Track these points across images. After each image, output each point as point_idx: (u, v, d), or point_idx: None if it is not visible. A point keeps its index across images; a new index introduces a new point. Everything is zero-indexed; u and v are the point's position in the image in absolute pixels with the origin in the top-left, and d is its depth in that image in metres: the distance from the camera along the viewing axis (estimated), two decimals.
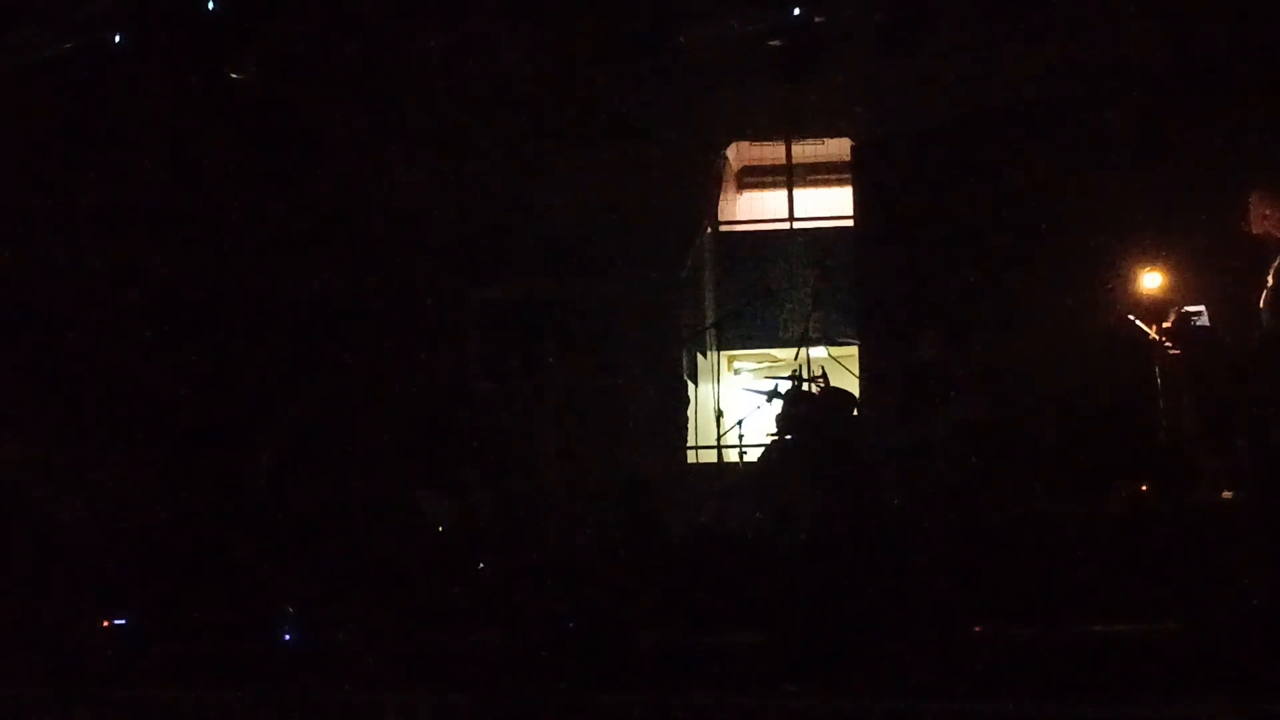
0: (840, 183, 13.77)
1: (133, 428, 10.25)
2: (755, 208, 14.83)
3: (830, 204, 14.01)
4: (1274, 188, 8.36)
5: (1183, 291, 8.98)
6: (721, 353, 13.75)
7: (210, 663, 7.51)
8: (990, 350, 10.19)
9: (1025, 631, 6.55)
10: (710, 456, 12.62)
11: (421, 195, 11.36)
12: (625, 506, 9.53)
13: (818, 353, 11.39)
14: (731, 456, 11.76)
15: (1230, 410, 8.45)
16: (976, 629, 6.66)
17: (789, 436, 10.14)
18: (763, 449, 10.45)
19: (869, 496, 9.55)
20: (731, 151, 14.50)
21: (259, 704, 6.89)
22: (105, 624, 8.48)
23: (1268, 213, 8.31)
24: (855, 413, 10.56)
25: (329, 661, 7.49)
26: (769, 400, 10.42)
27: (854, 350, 11.96)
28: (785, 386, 10.39)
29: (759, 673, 6.51)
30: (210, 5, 10.32)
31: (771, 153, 14.54)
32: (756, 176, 14.92)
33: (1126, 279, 9.28)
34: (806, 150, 14.29)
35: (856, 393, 11.10)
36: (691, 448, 12.95)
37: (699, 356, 13.52)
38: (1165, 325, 8.77)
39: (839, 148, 13.86)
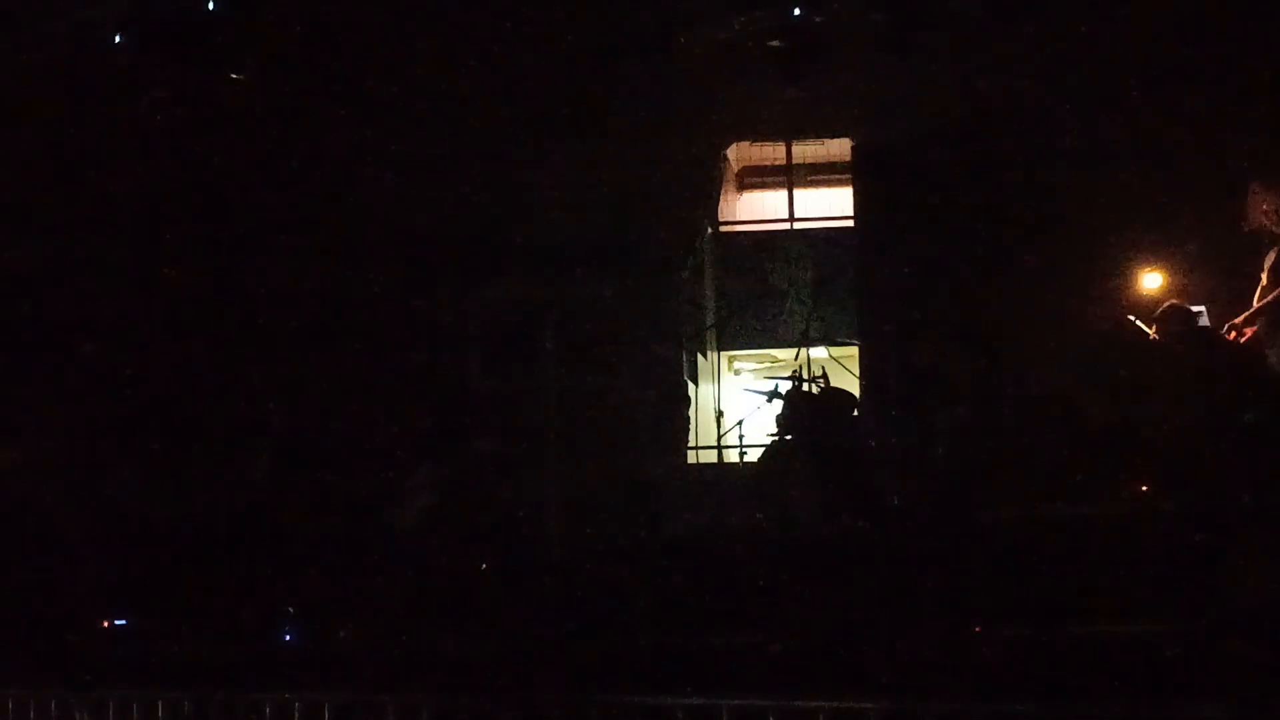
0: (840, 183, 13.76)
1: (133, 428, 10.26)
2: (755, 208, 14.82)
3: (830, 204, 14.00)
4: (1272, 183, 8.37)
5: (1183, 291, 8.98)
6: (721, 353, 13.75)
7: (210, 663, 7.50)
8: (990, 350, 10.20)
9: (1025, 631, 6.55)
10: (710, 456, 12.62)
11: (421, 195, 11.35)
12: (625, 507, 9.54)
13: (818, 353, 11.40)
14: (732, 456, 11.77)
15: (1230, 410, 8.46)
16: (976, 629, 6.66)
17: (789, 437, 10.14)
18: (763, 449, 10.46)
19: (869, 496, 9.55)
20: (731, 151, 14.49)
21: (258, 704, 6.89)
22: (105, 624, 8.49)
23: (1265, 208, 8.32)
24: (855, 413, 10.57)
25: (329, 662, 7.49)
26: (769, 400, 10.42)
27: (854, 350, 11.97)
28: (785, 387, 10.39)
29: (759, 673, 6.51)
30: (210, 5, 10.31)
31: (771, 153, 14.52)
32: (756, 176, 14.91)
33: (1126, 279, 9.29)
34: (806, 150, 14.28)
35: (856, 393, 11.11)
36: (692, 448, 12.95)
37: (699, 357, 13.51)
38: (1165, 325, 8.77)
39: (839, 148, 13.85)
